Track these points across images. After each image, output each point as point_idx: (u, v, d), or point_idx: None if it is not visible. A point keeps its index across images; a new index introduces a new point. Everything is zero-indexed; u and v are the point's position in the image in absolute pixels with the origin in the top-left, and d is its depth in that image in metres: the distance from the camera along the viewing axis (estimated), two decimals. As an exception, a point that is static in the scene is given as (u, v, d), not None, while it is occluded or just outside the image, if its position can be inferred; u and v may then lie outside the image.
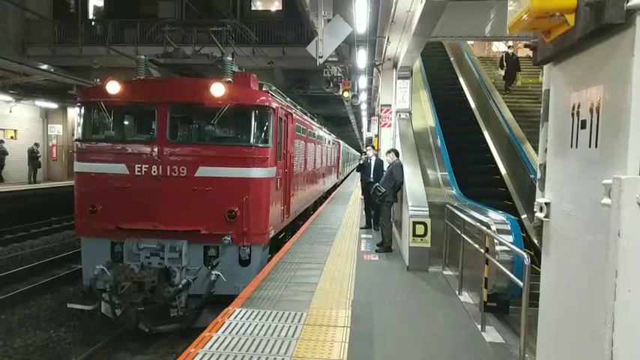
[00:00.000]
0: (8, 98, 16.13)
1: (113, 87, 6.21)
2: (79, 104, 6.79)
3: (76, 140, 6.82)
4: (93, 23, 19.77)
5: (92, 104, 6.56)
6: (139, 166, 6.19)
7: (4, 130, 17.39)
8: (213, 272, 6.07)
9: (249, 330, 4.01)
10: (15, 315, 7.39)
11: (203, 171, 6.14)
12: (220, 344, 3.69)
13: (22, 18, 17.91)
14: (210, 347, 3.63)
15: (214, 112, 6.18)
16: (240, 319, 4.27)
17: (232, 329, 4.01)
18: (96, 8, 21.30)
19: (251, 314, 4.40)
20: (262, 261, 6.53)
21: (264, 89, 7.13)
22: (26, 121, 18.37)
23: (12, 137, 17.74)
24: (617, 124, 1.58)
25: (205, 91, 6.00)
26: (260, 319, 4.27)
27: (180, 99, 6.35)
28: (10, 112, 17.19)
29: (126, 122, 6.99)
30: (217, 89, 5.98)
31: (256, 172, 6.29)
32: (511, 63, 15.17)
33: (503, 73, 15.48)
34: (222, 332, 3.94)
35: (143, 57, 6.98)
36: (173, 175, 6.12)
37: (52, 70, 14.48)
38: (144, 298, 5.82)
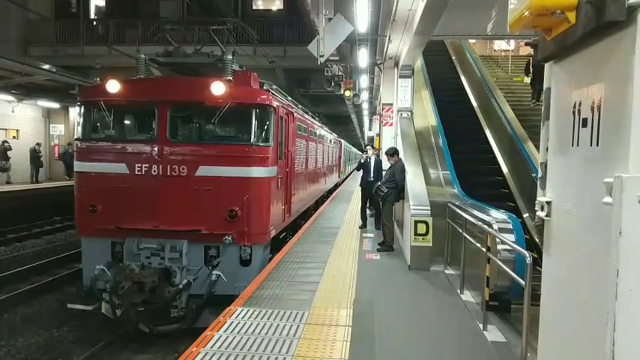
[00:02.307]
0: (10, 98, 16.18)
1: (113, 86, 6.17)
2: (78, 103, 6.75)
3: (76, 140, 6.77)
4: (94, 23, 19.80)
5: (92, 103, 6.51)
6: (139, 165, 6.15)
7: (6, 129, 17.45)
8: (214, 272, 6.02)
9: (251, 329, 4.01)
10: (17, 314, 7.42)
11: (203, 170, 6.09)
12: (222, 343, 3.69)
13: (24, 18, 17.94)
14: (211, 346, 3.64)
15: (215, 111, 6.12)
16: (242, 318, 4.28)
17: (234, 328, 4.01)
18: (97, 8, 21.34)
19: (252, 313, 4.40)
20: (263, 261, 6.48)
21: (264, 88, 7.08)
22: (28, 120, 18.42)
23: (14, 137, 17.79)
24: (619, 122, 1.57)
25: (206, 90, 5.96)
26: (262, 318, 4.27)
27: (180, 98, 6.30)
28: (13, 112, 17.24)
29: (126, 121, 6.94)
30: (217, 88, 5.94)
31: (257, 172, 6.24)
32: (539, 69, 13.92)
33: (529, 80, 13.74)
34: (224, 331, 3.94)
35: (143, 56, 6.92)
36: (173, 174, 6.08)
37: (54, 70, 14.51)
38: (144, 298, 5.78)
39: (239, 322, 4.15)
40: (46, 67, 14.30)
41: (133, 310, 5.81)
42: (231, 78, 6.51)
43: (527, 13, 1.66)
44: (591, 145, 1.74)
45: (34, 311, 7.59)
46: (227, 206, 6.03)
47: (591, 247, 1.72)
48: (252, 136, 6.31)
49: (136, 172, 6.15)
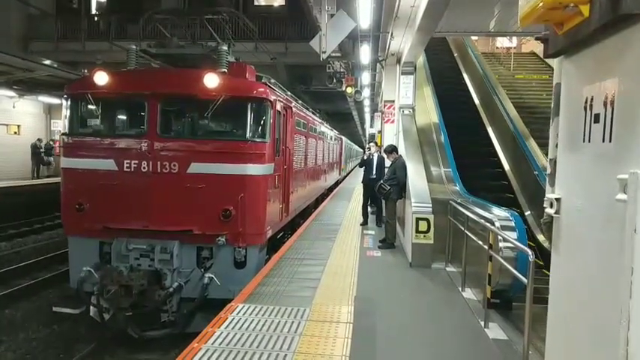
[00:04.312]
0: (11, 93, 16.13)
1: (101, 78, 5.83)
2: (65, 96, 6.40)
3: (63, 134, 6.42)
4: (96, 18, 19.73)
5: (79, 96, 6.19)
6: (128, 161, 5.83)
7: (7, 125, 17.42)
8: (207, 275, 5.73)
9: (252, 325, 4.00)
10: (19, 310, 7.41)
11: (196, 167, 5.78)
12: (223, 340, 3.69)
13: (25, 13, 17.88)
14: (213, 342, 3.63)
15: (208, 105, 5.79)
16: (243, 314, 4.27)
17: (235, 325, 4.00)
18: (98, 3, 21.28)
19: (254, 310, 4.39)
20: (259, 263, 6.21)
21: (262, 81, 6.78)
22: (29, 116, 18.39)
23: (15, 132, 17.77)
24: (634, 117, 1.54)
25: (198, 82, 5.65)
26: (263, 315, 4.26)
27: (171, 90, 5.97)
28: (14, 107, 17.20)
29: (114, 115, 6.62)
30: (211, 80, 5.63)
31: (252, 169, 5.91)
32: None
33: None
34: (225, 328, 3.93)
35: (134, 47, 6.53)
36: (164, 171, 5.77)
37: (55, 65, 14.45)
38: (132, 302, 5.50)
39: (240, 319, 4.14)
40: (47, 62, 14.24)
41: (121, 315, 5.55)
42: (226, 70, 6.19)
43: (541, 4, 1.62)
44: (604, 141, 1.70)
45: (35, 307, 7.58)
46: (221, 205, 5.72)
47: (603, 244, 1.69)
48: (248, 132, 5.98)
49: (125, 169, 5.84)
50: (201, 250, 5.93)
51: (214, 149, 5.88)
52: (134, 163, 5.84)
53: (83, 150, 6.12)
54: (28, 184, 15.48)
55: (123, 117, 6.72)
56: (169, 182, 5.79)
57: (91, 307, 5.91)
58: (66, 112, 6.37)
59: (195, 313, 5.76)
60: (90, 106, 6.16)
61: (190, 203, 5.77)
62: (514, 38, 20.02)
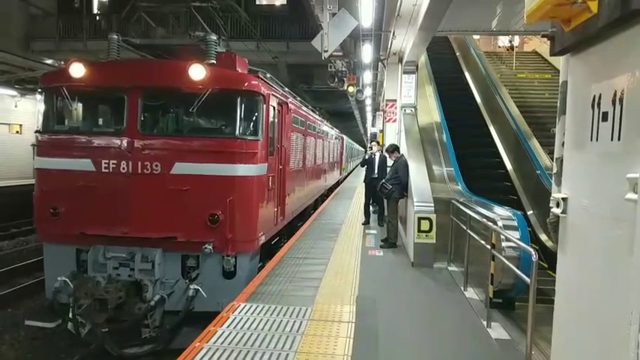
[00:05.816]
0: (13, 93, 16.17)
1: (77, 70, 5.33)
2: (39, 90, 5.92)
3: (36, 132, 5.88)
4: (97, 18, 19.75)
5: (54, 90, 5.67)
6: (107, 161, 5.35)
7: (9, 124, 17.44)
8: (192, 286, 5.22)
9: (254, 325, 3.99)
10: (21, 308, 7.43)
11: (180, 168, 5.28)
12: (225, 339, 3.68)
13: (27, 13, 17.91)
14: (214, 342, 3.62)
15: (194, 99, 5.26)
16: (245, 313, 4.26)
17: (237, 324, 4.00)
18: (100, 3, 21.30)
19: (256, 309, 4.38)
20: (251, 272, 5.74)
21: (257, 75, 6.24)
22: (31, 115, 18.39)
23: (17, 132, 17.78)
24: (643, 115, 1.51)
25: (183, 74, 5.16)
26: (265, 314, 4.25)
27: (154, 83, 5.49)
28: (16, 106, 17.23)
29: (92, 111, 6.16)
30: (197, 72, 5.15)
31: (243, 169, 5.42)
32: None
33: None
34: (227, 327, 3.92)
35: (115, 36, 5.96)
36: (145, 172, 5.28)
37: (57, 64, 14.47)
38: (107, 317, 5.02)
39: (242, 318, 4.14)
40: (49, 61, 14.26)
41: (98, 330, 5.09)
42: (214, 61, 5.75)
43: (548, 0, 1.60)
44: (612, 139, 1.68)
45: (37, 305, 7.60)
46: (207, 209, 5.23)
47: (611, 244, 1.67)
48: (238, 128, 5.45)
49: (103, 170, 5.36)
50: (186, 258, 5.45)
51: (201, 148, 5.37)
52: (113, 163, 5.35)
53: (58, 149, 5.61)
54: (30, 184, 15.49)
55: (101, 112, 6.22)
56: (151, 184, 5.30)
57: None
58: (40, 107, 5.91)
59: (180, 328, 5.30)
60: (65, 101, 5.64)
61: (174, 207, 5.28)
62: (516, 37, 19.96)
